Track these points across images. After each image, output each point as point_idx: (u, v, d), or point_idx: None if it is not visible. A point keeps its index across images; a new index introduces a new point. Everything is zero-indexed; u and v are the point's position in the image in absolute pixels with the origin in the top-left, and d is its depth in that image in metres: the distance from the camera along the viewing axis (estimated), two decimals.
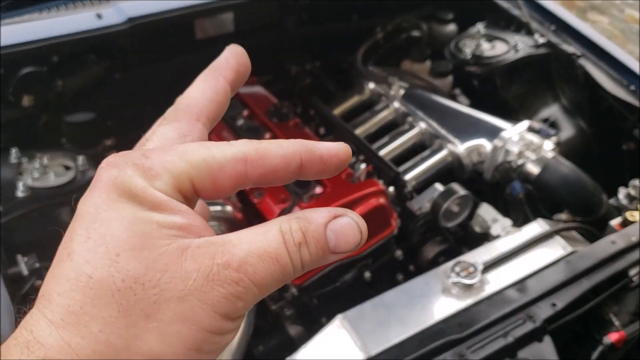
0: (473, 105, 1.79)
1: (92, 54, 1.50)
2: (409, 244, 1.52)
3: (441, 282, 1.12)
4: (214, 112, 0.37)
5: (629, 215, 1.28)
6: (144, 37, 1.50)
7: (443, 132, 1.62)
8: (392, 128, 1.72)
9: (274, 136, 1.53)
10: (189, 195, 0.32)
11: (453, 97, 1.85)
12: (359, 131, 1.69)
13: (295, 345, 1.29)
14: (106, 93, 1.58)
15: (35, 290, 1.09)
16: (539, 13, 1.84)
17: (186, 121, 0.36)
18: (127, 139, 1.52)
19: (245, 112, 1.61)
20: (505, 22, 1.89)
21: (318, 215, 0.33)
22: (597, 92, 1.63)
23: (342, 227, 0.33)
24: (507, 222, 1.45)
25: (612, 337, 1.10)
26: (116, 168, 0.31)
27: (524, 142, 1.52)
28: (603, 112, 1.66)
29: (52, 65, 1.43)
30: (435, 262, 1.49)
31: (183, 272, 0.29)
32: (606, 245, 1.18)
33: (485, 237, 1.46)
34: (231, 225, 1.36)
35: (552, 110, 1.79)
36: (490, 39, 1.85)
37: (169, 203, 0.31)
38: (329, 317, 1.07)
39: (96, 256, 0.29)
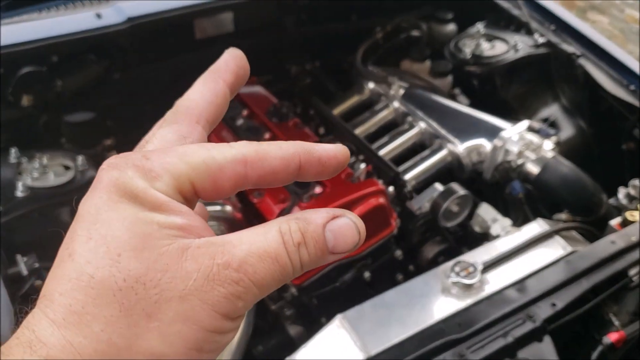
0: (473, 105, 1.79)
1: (92, 54, 1.50)
2: (409, 244, 1.52)
3: (441, 282, 1.12)
4: (213, 115, 0.38)
5: (629, 215, 1.28)
6: (143, 37, 1.51)
7: (443, 131, 1.62)
8: (391, 128, 1.72)
9: (274, 136, 1.53)
10: (189, 196, 0.32)
11: (453, 97, 1.85)
12: (359, 131, 1.69)
13: (295, 345, 1.29)
14: (105, 93, 1.58)
15: (35, 290, 1.09)
16: (538, 13, 1.84)
17: (186, 123, 0.36)
18: (127, 139, 1.53)
19: (245, 112, 1.61)
20: (505, 22, 1.89)
21: (317, 216, 0.33)
22: (597, 92, 1.63)
23: (340, 227, 0.33)
24: (507, 222, 1.45)
25: (611, 337, 1.10)
26: (117, 169, 0.31)
27: (524, 141, 1.52)
28: (603, 112, 1.66)
29: (51, 65, 1.43)
30: (435, 262, 1.49)
31: (184, 272, 0.29)
32: (606, 245, 1.18)
33: (485, 237, 1.46)
34: (231, 225, 1.36)
35: (552, 110, 1.79)
36: (490, 38, 1.85)
37: (169, 204, 0.31)
38: (329, 317, 1.08)
39: (97, 256, 0.29)
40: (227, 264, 0.30)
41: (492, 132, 1.57)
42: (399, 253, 1.48)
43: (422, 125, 1.66)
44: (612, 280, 1.13)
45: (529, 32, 1.81)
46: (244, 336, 1.27)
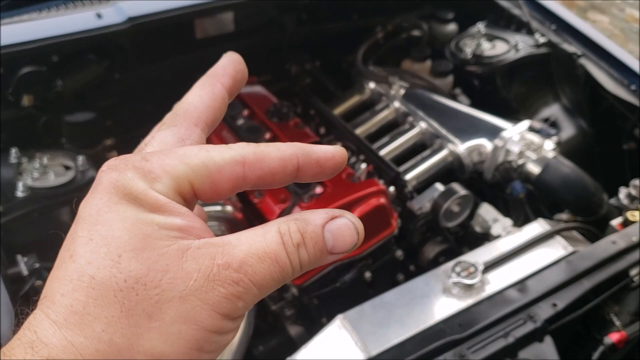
0: (473, 104, 1.79)
1: (92, 54, 1.49)
2: (410, 244, 1.52)
3: (442, 282, 1.12)
4: (212, 118, 0.38)
5: (630, 215, 1.28)
6: (144, 36, 1.50)
7: (443, 131, 1.62)
8: (392, 128, 1.72)
9: (274, 136, 1.53)
10: (189, 198, 0.33)
11: (453, 97, 1.85)
12: (359, 131, 1.69)
13: (295, 345, 1.29)
14: (106, 93, 1.58)
15: (35, 291, 1.09)
16: (539, 12, 1.84)
17: (184, 126, 0.36)
18: (127, 139, 1.53)
19: (245, 112, 1.61)
20: (506, 22, 1.89)
21: (316, 217, 0.33)
22: (598, 92, 1.63)
23: (339, 228, 0.33)
24: (508, 222, 1.45)
25: (612, 338, 1.10)
26: (117, 171, 0.31)
27: (525, 141, 1.52)
28: (604, 111, 1.66)
29: (51, 65, 1.43)
30: (435, 262, 1.49)
31: (184, 272, 0.30)
32: (607, 245, 1.18)
33: (485, 237, 1.46)
34: (231, 225, 1.36)
35: (553, 110, 1.79)
36: (491, 38, 1.85)
37: (169, 205, 0.31)
38: (329, 318, 1.08)
39: (98, 257, 0.29)
40: (227, 264, 0.30)
41: (492, 132, 1.57)
42: (399, 253, 1.48)
43: (422, 125, 1.66)
44: (613, 280, 1.13)
45: (530, 31, 1.81)
46: (245, 336, 1.27)
